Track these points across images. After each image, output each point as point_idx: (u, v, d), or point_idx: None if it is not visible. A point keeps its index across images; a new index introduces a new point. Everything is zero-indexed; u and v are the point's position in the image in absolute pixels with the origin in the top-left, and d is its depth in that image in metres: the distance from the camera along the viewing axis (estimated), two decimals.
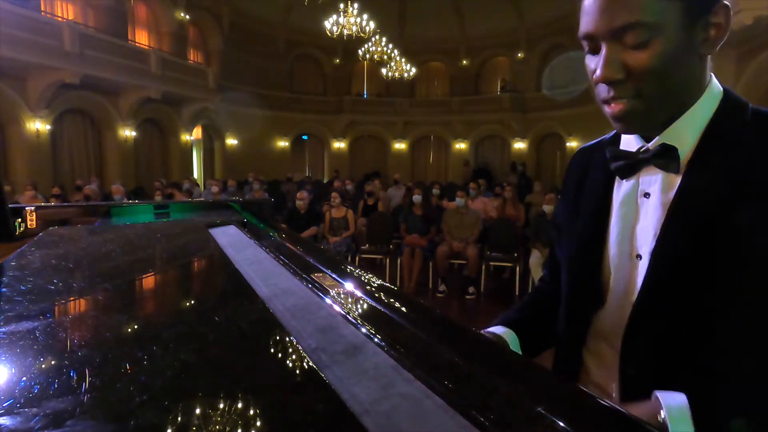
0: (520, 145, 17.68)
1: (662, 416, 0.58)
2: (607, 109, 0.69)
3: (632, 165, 0.73)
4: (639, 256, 0.72)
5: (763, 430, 0.59)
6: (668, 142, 0.68)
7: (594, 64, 0.68)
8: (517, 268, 5.72)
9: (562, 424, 0.39)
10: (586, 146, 0.91)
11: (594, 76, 0.68)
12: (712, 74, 0.70)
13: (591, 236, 0.79)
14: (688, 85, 0.67)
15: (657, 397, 0.60)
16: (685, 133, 0.68)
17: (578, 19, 0.69)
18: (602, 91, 0.69)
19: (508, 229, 5.86)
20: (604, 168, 0.79)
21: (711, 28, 0.64)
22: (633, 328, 0.71)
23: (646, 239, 0.71)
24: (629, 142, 0.76)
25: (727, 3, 0.64)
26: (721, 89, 0.70)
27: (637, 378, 0.70)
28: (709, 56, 0.68)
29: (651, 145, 0.71)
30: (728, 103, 0.69)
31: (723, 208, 0.63)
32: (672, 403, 0.58)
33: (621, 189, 0.77)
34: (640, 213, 0.73)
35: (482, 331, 0.84)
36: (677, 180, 0.68)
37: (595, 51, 0.68)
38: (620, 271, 0.74)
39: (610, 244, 0.76)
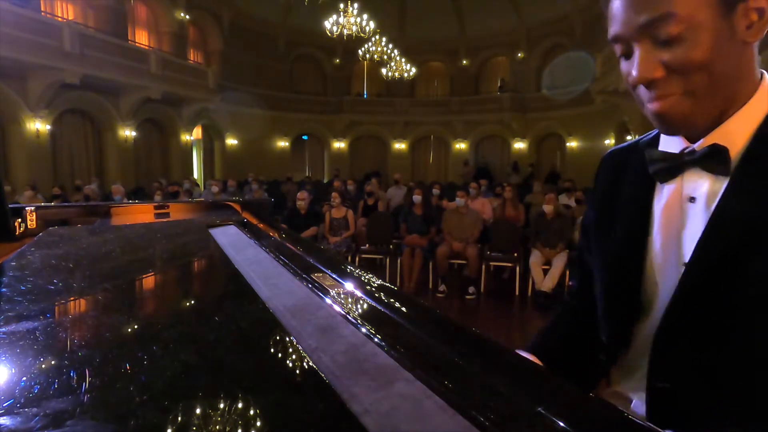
0: (520, 145, 17.69)
1: None
2: (650, 107, 0.64)
3: (675, 168, 0.68)
4: (687, 264, 0.68)
5: None
6: (719, 143, 0.63)
7: (628, 67, 0.64)
8: (517, 268, 5.72)
9: (562, 424, 0.39)
10: (618, 148, 0.85)
11: (630, 79, 0.64)
12: (764, 70, 0.65)
13: (631, 243, 0.74)
14: (738, 77, 0.62)
15: None
16: (737, 132, 0.63)
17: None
18: (642, 93, 0.64)
19: (508, 229, 5.86)
20: (642, 171, 0.74)
21: (752, 13, 0.59)
22: (664, 337, 0.67)
23: (693, 246, 0.66)
24: (670, 144, 0.70)
25: None
26: None
27: (667, 392, 0.66)
28: (756, 48, 0.63)
29: (698, 146, 0.66)
30: None
31: None
32: None
33: (663, 193, 0.71)
34: (686, 218, 0.68)
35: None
36: (725, 183, 0.63)
37: (628, 55, 0.64)
38: (667, 280, 0.70)
39: (653, 252, 0.72)
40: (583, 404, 0.45)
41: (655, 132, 0.77)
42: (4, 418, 0.39)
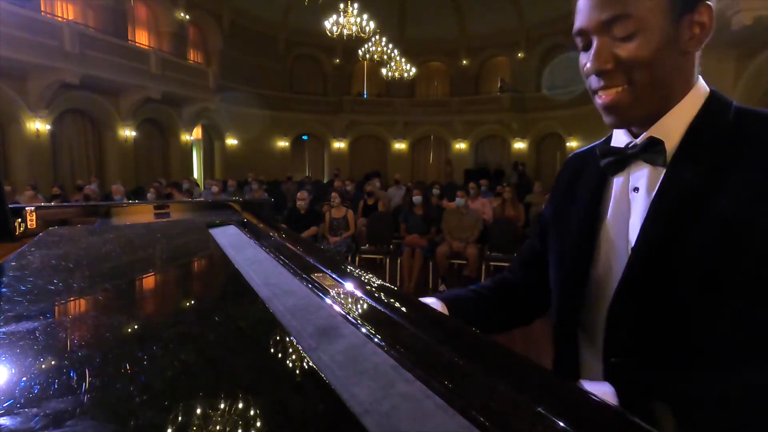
0: (520, 145, 17.69)
1: None
2: (598, 101, 0.73)
3: (621, 161, 0.76)
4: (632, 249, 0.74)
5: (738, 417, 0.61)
6: (656, 136, 0.71)
7: (586, 58, 0.73)
8: None
9: (562, 424, 0.39)
10: (580, 150, 0.94)
11: (585, 69, 0.73)
12: (700, 76, 0.74)
13: (585, 232, 0.81)
14: (675, 79, 0.70)
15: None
16: (672, 127, 0.71)
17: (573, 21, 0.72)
18: (593, 82, 0.72)
19: (508, 229, 5.86)
20: (597, 168, 0.82)
21: (695, 26, 0.68)
22: (614, 316, 0.73)
23: (637, 232, 0.73)
24: (619, 140, 0.79)
25: (710, 3, 0.68)
26: (708, 89, 0.73)
27: (621, 366, 0.72)
28: (698, 56, 0.72)
29: (639, 139, 0.74)
30: (713, 101, 0.72)
31: (703, 199, 0.65)
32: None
33: (614, 186, 0.79)
34: (631, 207, 0.75)
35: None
36: (662, 173, 0.71)
37: (587, 47, 0.73)
38: (617, 265, 0.76)
39: (604, 240, 0.78)
40: (583, 404, 0.45)
41: (610, 134, 0.84)
42: (4, 418, 0.39)
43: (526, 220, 6.49)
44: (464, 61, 18.79)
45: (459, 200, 5.80)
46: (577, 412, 0.43)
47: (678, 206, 0.67)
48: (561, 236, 0.86)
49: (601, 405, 0.44)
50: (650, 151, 0.72)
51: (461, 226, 5.74)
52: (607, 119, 0.75)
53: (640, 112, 0.72)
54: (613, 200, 0.78)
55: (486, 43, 18.20)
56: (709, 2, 0.68)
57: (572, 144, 15.77)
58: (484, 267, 5.73)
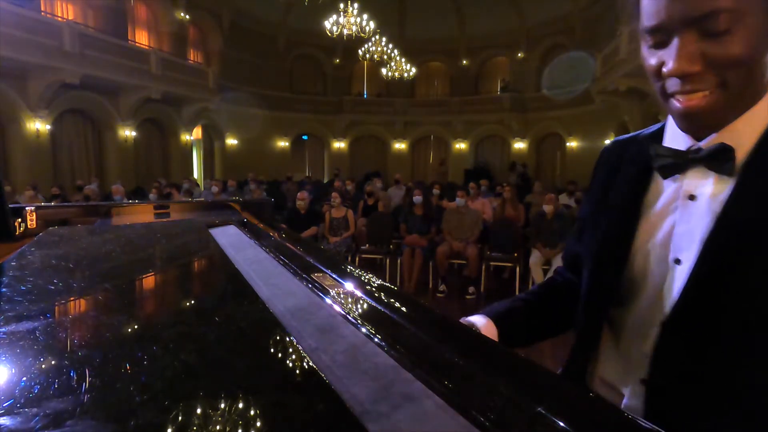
0: (520, 145, 17.69)
1: None
2: (676, 104, 0.63)
3: (679, 164, 0.68)
4: (678, 261, 0.68)
5: None
6: (726, 142, 0.63)
7: (656, 59, 0.63)
8: (517, 268, 5.72)
9: (562, 424, 0.39)
10: (618, 140, 0.86)
11: (665, 70, 0.62)
12: None
13: (619, 233, 0.75)
14: (759, 78, 0.61)
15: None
16: (744, 133, 0.63)
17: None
18: (672, 85, 0.63)
19: (508, 229, 5.85)
20: (639, 163, 0.75)
21: None
22: (668, 336, 0.66)
23: (688, 244, 0.66)
24: (676, 140, 0.70)
25: None
26: None
27: (665, 389, 0.67)
28: None
29: (705, 143, 0.65)
30: None
31: None
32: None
33: (659, 188, 0.72)
34: (682, 216, 0.68)
35: (462, 319, 0.83)
36: (729, 184, 0.63)
37: (660, 44, 0.62)
38: (653, 273, 0.71)
39: (640, 244, 0.73)
40: (583, 404, 0.45)
41: (656, 126, 0.78)
42: (4, 418, 0.39)
43: (526, 220, 6.49)
44: (464, 61, 18.78)
45: (459, 200, 5.79)
46: (577, 412, 0.43)
47: (751, 224, 0.59)
48: (595, 233, 0.80)
49: (601, 405, 0.44)
50: (718, 159, 0.63)
51: (461, 226, 5.74)
52: (683, 124, 0.66)
53: (726, 119, 0.63)
54: (658, 203, 0.71)
55: (486, 43, 18.20)
56: None
57: (572, 144, 15.77)
58: (484, 267, 5.73)
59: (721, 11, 0.56)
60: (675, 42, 0.60)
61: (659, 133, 0.75)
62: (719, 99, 0.61)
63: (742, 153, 0.63)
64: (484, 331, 0.82)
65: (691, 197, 0.67)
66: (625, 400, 0.75)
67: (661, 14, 0.60)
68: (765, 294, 0.58)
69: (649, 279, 0.71)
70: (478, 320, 0.85)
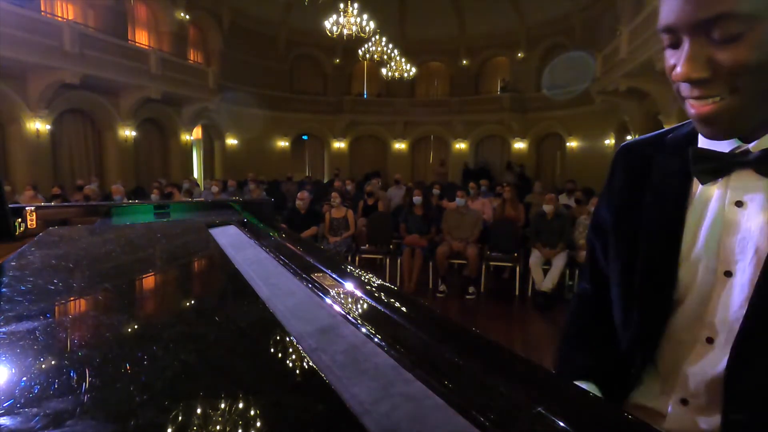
0: (520, 145, 17.68)
1: None
2: (691, 110, 0.61)
3: (722, 168, 0.63)
4: (729, 273, 0.64)
5: None
6: None
7: (674, 59, 0.60)
8: (517, 268, 5.72)
9: (562, 424, 0.39)
10: (636, 142, 0.80)
11: (674, 73, 0.60)
12: None
13: (663, 247, 0.69)
14: None
15: None
16: None
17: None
18: (683, 89, 0.60)
19: (508, 229, 5.86)
20: (674, 169, 0.69)
21: None
22: (739, 365, 0.61)
23: (741, 255, 0.62)
24: (717, 141, 0.65)
25: None
26: None
27: (744, 424, 0.62)
28: None
29: (753, 146, 0.61)
30: None
31: None
32: None
33: (702, 195, 0.67)
34: (730, 224, 0.64)
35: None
36: None
37: (675, 45, 0.60)
38: (699, 287, 0.66)
39: (683, 257, 0.68)
40: (583, 404, 0.45)
41: (684, 126, 0.73)
42: (4, 418, 0.39)
43: (526, 220, 6.49)
44: (464, 61, 18.78)
45: (459, 200, 5.80)
46: (577, 412, 0.43)
47: None
48: (629, 248, 0.73)
49: (601, 405, 0.44)
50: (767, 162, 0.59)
51: (461, 226, 5.74)
52: (703, 130, 0.62)
53: (747, 124, 0.60)
54: (703, 212, 0.67)
55: (486, 43, 18.19)
56: None
57: (572, 144, 15.78)
58: (484, 267, 5.73)
59: (732, 15, 0.53)
60: (685, 46, 0.58)
61: (694, 133, 0.69)
62: (733, 105, 0.57)
63: None
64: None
65: (738, 203, 0.63)
66: (666, 423, 0.71)
67: (672, 15, 0.58)
68: None
69: (695, 294, 0.67)
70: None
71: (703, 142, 0.67)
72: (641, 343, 0.73)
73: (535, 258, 5.43)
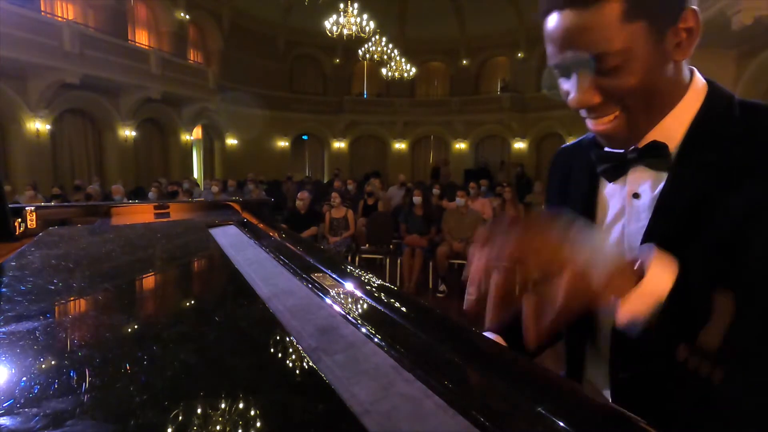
0: (520, 145, 17.69)
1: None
2: (591, 127, 0.68)
3: (620, 166, 0.71)
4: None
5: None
6: (658, 140, 0.67)
7: (567, 86, 0.67)
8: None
9: (562, 424, 0.39)
10: (567, 145, 0.89)
11: (569, 100, 0.67)
12: (694, 69, 0.69)
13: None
14: (670, 88, 0.66)
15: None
16: (673, 128, 0.67)
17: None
18: (581, 111, 0.68)
19: None
20: (587, 169, 0.77)
21: (682, 33, 0.62)
22: (620, 338, 0.68)
23: (637, 241, 0.69)
24: None
25: (695, 7, 0.62)
26: (705, 82, 0.69)
27: (629, 382, 0.69)
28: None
29: (639, 143, 0.69)
30: (713, 96, 0.67)
31: (710, 202, 0.61)
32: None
33: (608, 191, 0.75)
34: (631, 215, 0.71)
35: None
36: (665, 177, 0.67)
37: (566, 75, 0.67)
38: None
39: None
40: (583, 404, 0.45)
41: None
42: (4, 418, 0.39)
43: None
44: (464, 61, 18.78)
45: (459, 200, 5.79)
46: (577, 412, 0.43)
47: (683, 213, 0.63)
48: None
49: (601, 405, 0.44)
50: (653, 156, 0.67)
51: (461, 226, 5.74)
52: (604, 144, 0.71)
53: (640, 132, 0.68)
54: (610, 206, 0.75)
55: (486, 43, 18.20)
56: (693, 6, 0.62)
57: None
58: None
59: (606, 53, 0.60)
60: (574, 78, 0.65)
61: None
62: (625, 121, 0.65)
63: (673, 147, 0.66)
64: None
65: (636, 195, 0.70)
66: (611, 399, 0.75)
67: (557, 57, 0.64)
68: (705, 279, 0.60)
69: None
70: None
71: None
72: (575, 328, 0.79)
73: None
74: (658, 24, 0.61)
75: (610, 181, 0.74)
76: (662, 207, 0.66)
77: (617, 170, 0.72)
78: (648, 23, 0.60)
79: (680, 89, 0.67)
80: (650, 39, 0.61)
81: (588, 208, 0.77)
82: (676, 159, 0.66)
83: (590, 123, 0.68)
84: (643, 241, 0.66)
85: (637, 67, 0.61)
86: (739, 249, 0.59)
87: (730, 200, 0.60)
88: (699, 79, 0.69)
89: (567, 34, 0.61)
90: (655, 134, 0.68)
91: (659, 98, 0.65)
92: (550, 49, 0.65)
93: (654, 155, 0.67)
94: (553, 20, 0.63)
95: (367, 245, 6.15)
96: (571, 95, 0.66)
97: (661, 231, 0.65)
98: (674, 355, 0.62)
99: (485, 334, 0.85)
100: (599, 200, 0.77)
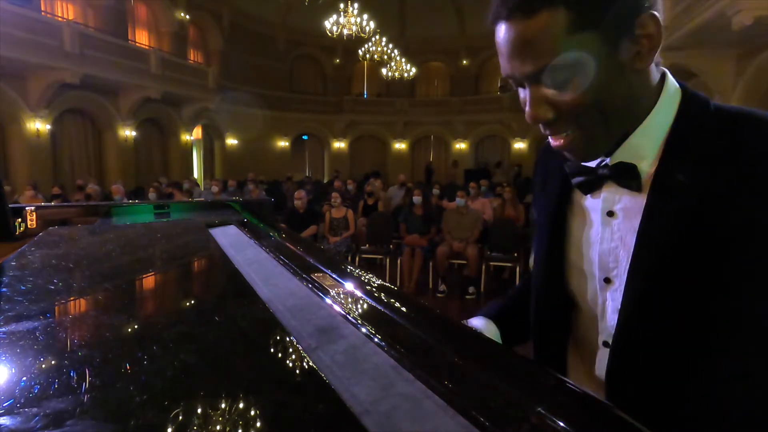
0: (520, 145, 17.69)
1: None
2: (551, 141, 0.65)
3: (594, 181, 0.67)
4: (608, 281, 0.68)
5: None
6: (625, 160, 0.63)
7: (523, 96, 0.64)
8: (517, 268, 5.72)
9: (562, 424, 0.39)
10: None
11: (525, 114, 0.64)
12: (667, 72, 0.65)
13: (550, 245, 0.75)
14: (634, 99, 0.62)
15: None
16: (644, 147, 0.63)
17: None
18: (540, 126, 0.64)
19: (508, 229, 5.86)
20: (561, 173, 0.74)
21: (641, 40, 0.58)
22: (617, 366, 0.66)
23: (615, 263, 0.67)
24: None
25: (655, 12, 0.57)
26: (678, 87, 0.64)
27: (626, 402, 0.65)
28: (654, 63, 0.62)
29: (609, 160, 0.65)
30: (688, 105, 0.63)
31: (695, 227, 0.58)
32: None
33: (581, 202, 0.72)
34: (604, 233, 0.68)
35: (464, 322, 0.83)
36: (641, 198, 0.63)
37: (521, 86, 0.64)
38: (587, 293, 0.71)
39: (572, 261, 0.73)
40: (583, 404, 0.45)
41: None
42: (4, 418, 0.39)
43: (526, 220, 6.49)
44: (464, 61, 18.78)
45: (459, 200, 5.79)
46: (577, 412, 0.43)
47: (669, 238, 0.59)
48: (539, 238, 0.80)
49: (602, 405, 0.44)
50: (623, 176, 0.64)
51: (461, 226, 5.74)
52: (569, 157, 0.67)
53: (600, 149, 0.64)
54: (581, 220, 0.72)
55: (486, 43, 18.15)
56: (652, 11, 0.57)
57: None
58: (484, 267, 5.73)
59: (554, 67, 0.57)
60: (527, 90, 0.62)
61: None
62: (581, 138, 0.62)
63: (647, 165, 0.62)
64: (486, 334, 0.82)
65: (610, 213, 0.67)
66: None
67: (507, 69, 0.62)
68: (701, 302, 0.58)
69: (586, 298, 0.72)
70: (479, 322, 0.85)
71: None
72: (548, 325, 0.79)
73: None
74: (609, 34, 0.56)
75: (585, 194, 0.71)
76: (645, 236, 0.62)
77: (592, 185, 0.68)
78: (597, 34, 0.56)
79: (648, 100, 0.63)
80: (602, 51, 0.57)
81: (557, 213, 0.75)
82: (654, 180, 0.62)
83: (549, 138, 0.66)
84: (630, 273, 0.63)
85: (589, 81, 0.57)
86: (731, 272, 0.57)
87: (717, 225, 0.57)
88: (671, 85, 0.64)
89: (512, 45, 0.59)
90: (624, 151, 0.64)
91: (618, 114, 0.61)
92: (501, 59, 0.63)
93: (625, 176, 0.64)
94: (500, 31, 0.61)
95: (367, 245, 6.15)
96: (526, 109, 0.63)
97: (647, 263, 0.61)
98: (672, 389, 0.61)
99: (475, 319, 0.87)
100: (574, 209, 0.74)
